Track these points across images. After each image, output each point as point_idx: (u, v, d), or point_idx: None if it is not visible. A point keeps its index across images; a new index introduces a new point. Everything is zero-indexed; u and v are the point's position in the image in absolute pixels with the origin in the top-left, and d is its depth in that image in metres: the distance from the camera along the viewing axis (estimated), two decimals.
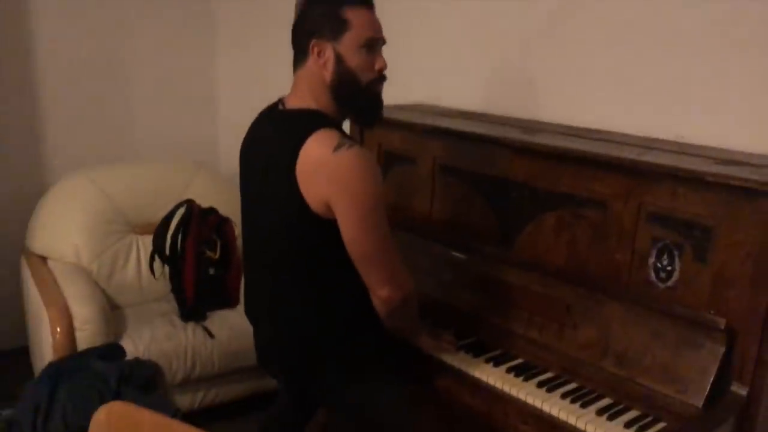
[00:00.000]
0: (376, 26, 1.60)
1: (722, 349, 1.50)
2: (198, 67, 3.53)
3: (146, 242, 2.77)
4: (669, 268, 1.61)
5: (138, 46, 3.30)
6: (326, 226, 1.54)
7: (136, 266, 2.81)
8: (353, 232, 1.53)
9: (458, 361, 1.78)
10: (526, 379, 1.69)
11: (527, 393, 1.64)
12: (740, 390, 1.50)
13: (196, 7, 3.46)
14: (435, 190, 2.13)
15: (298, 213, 1.54)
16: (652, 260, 1.63)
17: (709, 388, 1.48)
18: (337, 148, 1.49)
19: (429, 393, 1.82)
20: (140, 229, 2.85)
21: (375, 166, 1.55)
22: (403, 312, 1.67)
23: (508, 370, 1.73)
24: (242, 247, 1.81)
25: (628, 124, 1.95)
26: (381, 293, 1.60)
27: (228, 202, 2.75)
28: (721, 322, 1.51)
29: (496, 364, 1.76)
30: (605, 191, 1.69)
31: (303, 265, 1.62)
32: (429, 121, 2.13)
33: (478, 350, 1.82)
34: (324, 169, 1.49)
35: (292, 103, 1.63)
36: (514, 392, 1.65)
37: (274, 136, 1.62)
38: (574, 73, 2.08)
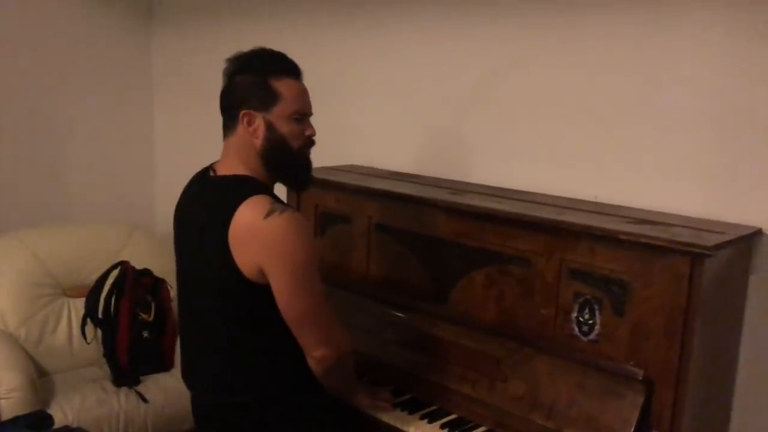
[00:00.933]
0: (304, 98, 1.66)
1: (641, 399, 1.57)
2: (135, 128, 3.53)
3: (78, 305, 2.71)
4: (590, 321, 1.69)
5: (73, 106, 3.29)
6: (260, 291, 1.56)
7: (67, 330, 2.73)
8: (287, 295, 1.56)
9: (394, 419, 1.80)
10: None
11: None
12: None
13: (133, 69, 3.48)
14: (371, 249, 2.18)
15: (232, 278, 1.55)
16: (574, 314, 1.72)
17: None
18: (269, 214, 1.52)
19: None
20: (72, 292, 2.79)
21: (306, 230, 1.59)
22: (338, 371, 1.69)
23: (442, 426, 1.76)
24: (178, 312, 1.80)
25: (550, 186, 2.06)
26: (316, 354, 1.61)
27: (163, 264, 2.73)
28: (639, 373, 1.59)
29: (431, 420, 1.79)
30: (529, 249, 1.78)
31: (239, 330, 1.63)
32: (363, 182, 2.20)
33: (413, 407, 1.85)
34: (256, 235, 1.52)
35: (223, 170, 1.66)
36: None
37: (207, 203, 1.63)
38: (500, 138, 2.20)
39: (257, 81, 1.60)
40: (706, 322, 1.57)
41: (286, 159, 1.63)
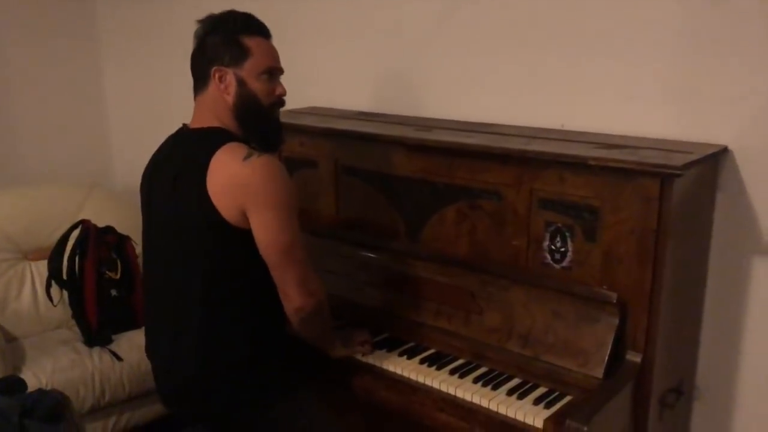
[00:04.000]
0: (274, 55, 1.68)
1: (616, 322, 1.60)
2: (82, 83, 3.39)
3: (41, 268, 2.64)
4: (563, 249, 1.70)
5: (17, 65, 3.13)
6: (240, 236, 1.56)
7: (32, 294, 2.66)
8: (269, 235, 1.55)
9: (373, 357, 1.81)
10: (438, 368, 1.74)
11: (441, 381, 1.69)
12: (635, 358, 1.60)
13: (77, 22, 3.32)
14: (339, 192, 2.15)
15: (213, 224, 1.55)
16: (546, 243, 1.72)
17: (607, 359, 1.58)
18: (247, 157, 1.54)
19: (350, 397, 1.84)
20: (33, 255, 2.71)
21: (285, 172, 1.60)
22: (315, 320, 1.68)
23: (421, 361, 1.78)
24: (144, 281, 1.78)
25: (516, 117, 2.04)
26: (295, 301, 1.61)
27: (126, 220, 2.67)
28: (613, 296, 1.61)
29: (410, 356, 1.80)
30: (498, 181, 1.76)
31: (217, 280, 1.61)
32: (327, 123, 2.15)
33: (392, 345, 1.85)
34: (237, 178, 1.53)
35: (197, 125, 1.66)
36: (428, 382, 1.70)
37: (182, 153, 1.63)
38: (463, 71, 2.15)
39: (228, 39, 1.62)
40: (676, 242, 1.58)
41: (257, 116, 1.65)
